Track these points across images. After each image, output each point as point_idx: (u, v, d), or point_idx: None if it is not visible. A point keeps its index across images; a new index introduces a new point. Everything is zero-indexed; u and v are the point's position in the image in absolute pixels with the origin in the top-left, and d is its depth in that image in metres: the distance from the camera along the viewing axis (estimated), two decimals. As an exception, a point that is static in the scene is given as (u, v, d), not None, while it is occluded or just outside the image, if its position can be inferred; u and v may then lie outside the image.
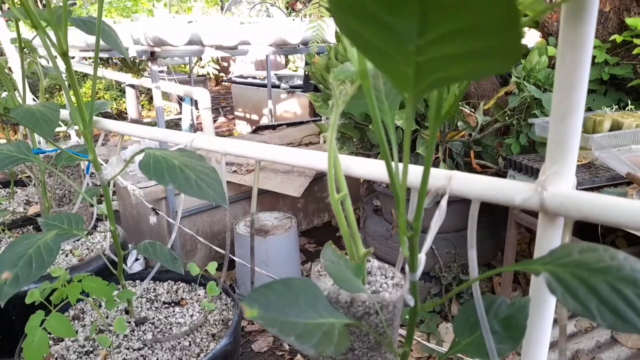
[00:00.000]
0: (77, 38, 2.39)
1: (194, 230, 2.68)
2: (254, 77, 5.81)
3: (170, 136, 0.79)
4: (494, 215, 2.16)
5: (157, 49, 2.26)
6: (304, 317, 0.33)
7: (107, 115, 6.17)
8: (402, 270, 0.60)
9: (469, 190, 0.47)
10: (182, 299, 0.83)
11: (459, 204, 2.11)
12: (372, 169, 0.57)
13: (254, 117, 5.55)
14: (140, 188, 2.06)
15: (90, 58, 3.02)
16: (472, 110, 1.61)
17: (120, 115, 6.59)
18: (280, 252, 2.25)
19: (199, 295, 0.88)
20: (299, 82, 5.09)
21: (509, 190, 0.43)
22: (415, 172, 0.51)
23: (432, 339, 2.00)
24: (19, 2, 0.74)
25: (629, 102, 2.11)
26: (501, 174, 1.98)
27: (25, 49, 0.96)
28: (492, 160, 2.02)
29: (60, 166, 0.93)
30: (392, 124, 0.40)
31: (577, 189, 1.38)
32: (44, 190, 0.93)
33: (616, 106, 1.68)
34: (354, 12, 0.21)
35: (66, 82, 0.65)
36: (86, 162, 1.02)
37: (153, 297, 0.84)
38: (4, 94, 1.01)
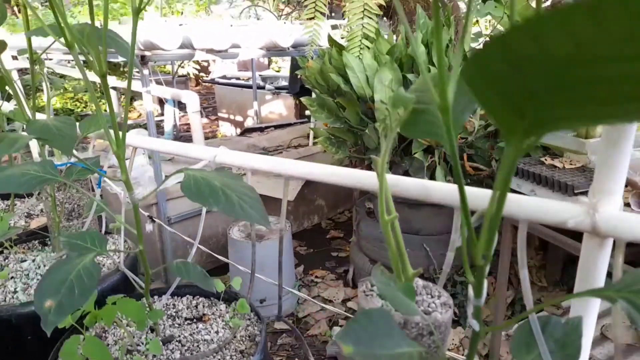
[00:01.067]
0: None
1: (185, 235, 2.64)
2: (238, 78, 5.77)
3: (193, 151, 0.78)
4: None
5: (147, 53, 2.23)
6: (386, 348, 0.33)
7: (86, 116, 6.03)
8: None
9: (518, 212, 0.48)
10: (203, 314, 0.82)
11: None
12: (419, 189, 0.57)
13: (239, 118, 5.51)
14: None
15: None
16: (470, 115, 1.63)
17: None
18: (276, 257, 2.24)
19: (220, 310, 0.87)
20: (284, 83, 5.08)
21: (560, 212, 0.45)
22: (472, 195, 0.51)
23: (429, 339, 2.03)
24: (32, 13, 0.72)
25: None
26: (494, 177, 2.02)
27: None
28: (484, 162, 2.05)
29: (72, 180, 0.91)
30: (453, 151, 0.40)
31: (574, 193, 1.40)
32: (53, 204, 0.90)
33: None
34: (487, 81, 0.22)
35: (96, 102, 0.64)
36: (96, 176, 1.00)
37: (174, 314, 0.82)
38: (9, 106, 0.99)
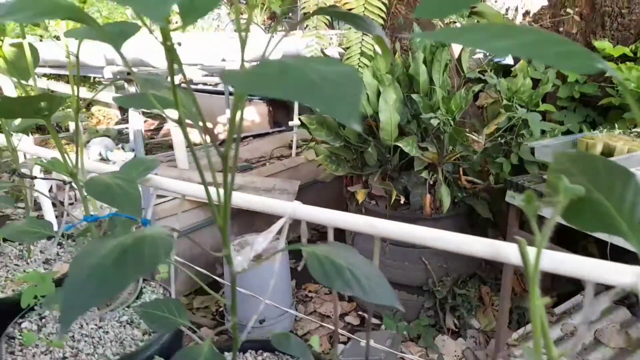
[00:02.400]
0: (48, 52, 2.20)
1: (173, 254, 2.56)
2: (205, 84, 5.63)
3: (271, 206, 0.75)
4: (479, 222, 2.25)
5: (135, 69, 2.13)
6: None
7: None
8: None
9: (582, 274, 0.49)
10: (275, 373, 0.79)
11: (450, 219, 2.19)
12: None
13: (208, 125, 5.37)
14: None
15: (51, 76, 2.81)
16: (475, 134, 1.67)
17: (65, 127, 6.13)
18: (277, 276, 2.21)
19: (289, 366, 0.84)
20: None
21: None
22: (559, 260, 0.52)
23: (431, 352, 2.06)
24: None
25: (594, 118, 2.29)
26: (490, 190, 2.08)
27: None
28: (477, 176, 2.10)
29: (116, 233, 0.86)
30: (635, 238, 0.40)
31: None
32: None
33: (603, 126, 1.81)
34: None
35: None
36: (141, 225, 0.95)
37: (244, 374, 0.79)
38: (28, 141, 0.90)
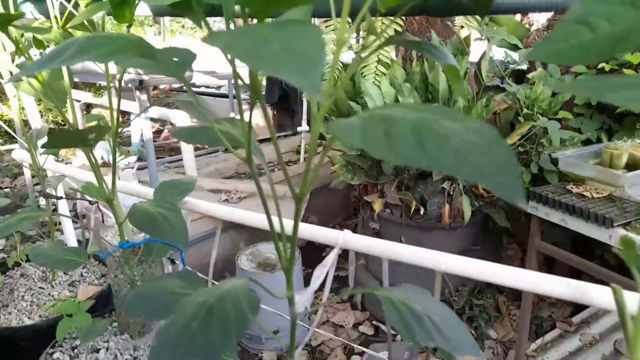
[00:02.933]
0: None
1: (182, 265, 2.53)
2: (207, 86, 5.60)
3: (317, 234, 0.72)
4: (495, 230, 2.23)
5: (146, 77, 2.10)
6: None
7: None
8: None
9: None
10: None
11: (466, 227, 2.16)
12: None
13: (211, 128, 5.34)
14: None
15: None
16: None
17: (58, 127, 6.07)
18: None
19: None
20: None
21: None
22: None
23: (449, 363, 2.03)
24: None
25: (610, 125, 2.27)
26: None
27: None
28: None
29: (151, 259, 0.83)
30: None
31: (613, 225, 1.42)
32: (133, 287, 0.81)
33: (623, 135, 1.79)
34: None
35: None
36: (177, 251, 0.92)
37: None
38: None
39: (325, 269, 0.67)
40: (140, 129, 5.74)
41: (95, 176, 0.78)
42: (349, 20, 0.40)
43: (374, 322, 2.38)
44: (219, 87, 5.48)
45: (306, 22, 0.27)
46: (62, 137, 0.55)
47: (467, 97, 1.79)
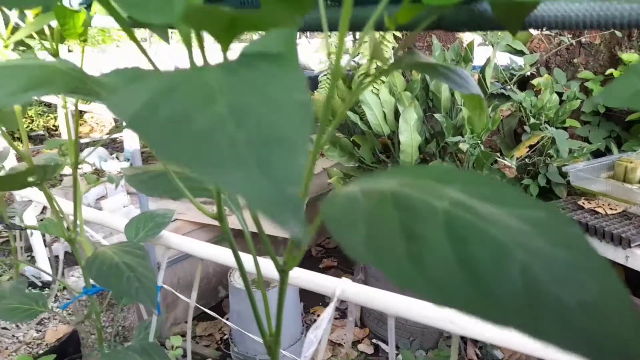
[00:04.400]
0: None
1: (174, 280, 2.43)
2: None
3: (312, 282, 0.62)
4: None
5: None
6: None
7: (38, 135, 5.55)
8: None
9: None
10: None
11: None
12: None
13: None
14: (104, 238, 1.82)
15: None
16: (506, 159, 1.55)
17: (49, 132, 5.96)
18: (287, 303, 2.08)
19: None
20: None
21: None
22: None
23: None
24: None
25: (619, 133, 2.17)
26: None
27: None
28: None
29: (123, 304, 0.72)
30: None
31: (630, 246, 1.32)
32: (100, 337, 0.71)
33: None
34: None
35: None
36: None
37: None
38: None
39: (319, 331, 0.57)
40: (131, 137, 5.61)
41: (53, 212, 0.68)
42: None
43: (374, 341, 2.27)
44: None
45: (287, 63, 0.17)
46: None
47: (486, 128, 1.66)
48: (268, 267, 0.63)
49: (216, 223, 0.45)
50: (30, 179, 0.46)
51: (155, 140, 0.13)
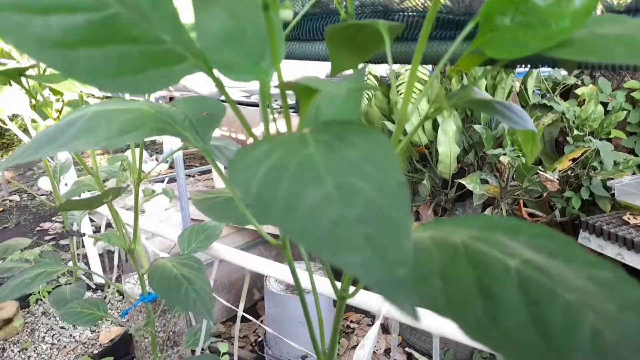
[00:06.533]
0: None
1: (211, 280, 2.49)
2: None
3: (356, 300, 0.65)
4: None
5: (176, 94, 2.07)
6: None
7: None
8: None
9: None
10: None
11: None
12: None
13: (240, 137, 5.34)
14: (146, 239, 1.88)
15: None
16: (544, 171, 1.52)
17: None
18: (322, 310, 2.10)
19: None
20: (291, 101, 4.93)
21: None
22: None
23: (487, 398, 1.91)
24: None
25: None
26: (553, 224, 1.92)
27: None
28: (538, 208, 1.95)
29: (176, 312, 0.77)
30: None
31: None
32: (153, 342, 0.76)
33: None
34: None
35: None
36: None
37: None
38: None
39: (365, 350, 0.59)
40: (171, 139, 5.78)
41: (115, 223, 0.72)
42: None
43: (407, 350, 2.27)
44: (249, 96, 5.47)
45: (375, 139, 0.19)
46: (78, 204, 0.50)
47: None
48: (324, 286, 0.66)
49: (252, 227, 0.47)
50: (106, 200, 0.50)
51: (279, 221, 0.16)
